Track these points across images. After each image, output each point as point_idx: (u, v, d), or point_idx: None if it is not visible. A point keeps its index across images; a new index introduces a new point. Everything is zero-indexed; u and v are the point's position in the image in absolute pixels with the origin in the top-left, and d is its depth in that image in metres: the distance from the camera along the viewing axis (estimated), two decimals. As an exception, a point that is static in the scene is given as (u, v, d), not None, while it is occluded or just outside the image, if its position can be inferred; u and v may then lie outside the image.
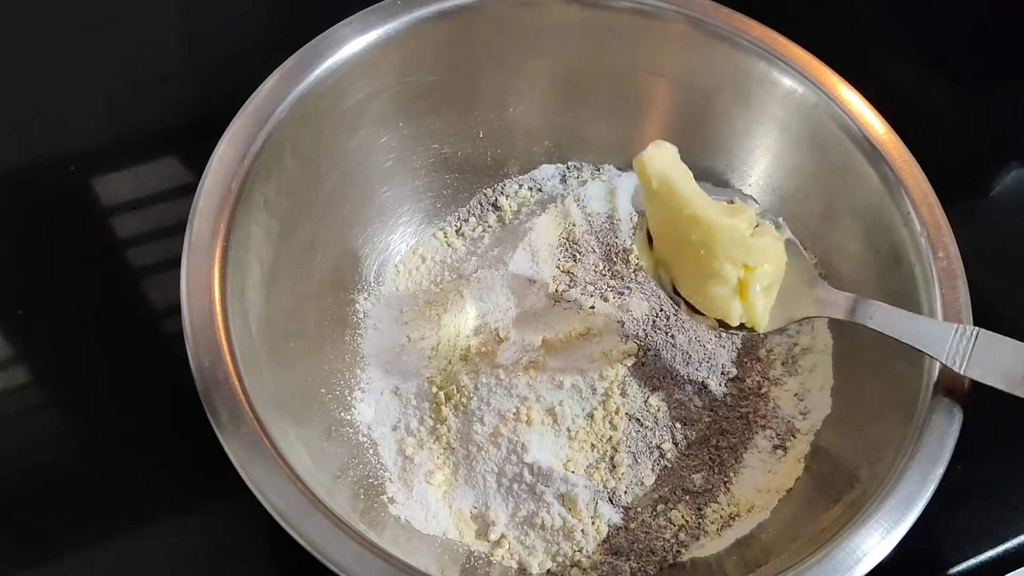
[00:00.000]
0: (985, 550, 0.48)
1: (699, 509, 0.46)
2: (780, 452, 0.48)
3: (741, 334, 0.51)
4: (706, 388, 0.49)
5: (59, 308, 0.52)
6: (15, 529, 0.45)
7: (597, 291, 0.52)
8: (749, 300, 0.42)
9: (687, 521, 0.45)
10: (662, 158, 0.42)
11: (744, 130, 0.53)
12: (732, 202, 0.43)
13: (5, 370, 0.50)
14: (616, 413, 0.47)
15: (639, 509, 0.46)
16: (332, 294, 0.50)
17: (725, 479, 0.47)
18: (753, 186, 0.54)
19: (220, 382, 0.38)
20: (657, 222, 0.43)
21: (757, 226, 0.42)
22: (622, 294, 0.51)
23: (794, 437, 0.48)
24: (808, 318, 0.44)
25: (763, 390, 0.50)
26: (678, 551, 0.45)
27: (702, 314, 0.44)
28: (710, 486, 0.47)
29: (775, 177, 0.53)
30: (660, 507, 0.46)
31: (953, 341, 0.40)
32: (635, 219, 0.55)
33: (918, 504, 0.38)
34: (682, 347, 0.49)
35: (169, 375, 0.49)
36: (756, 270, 0.41)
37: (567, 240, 0.54)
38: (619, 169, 0.57)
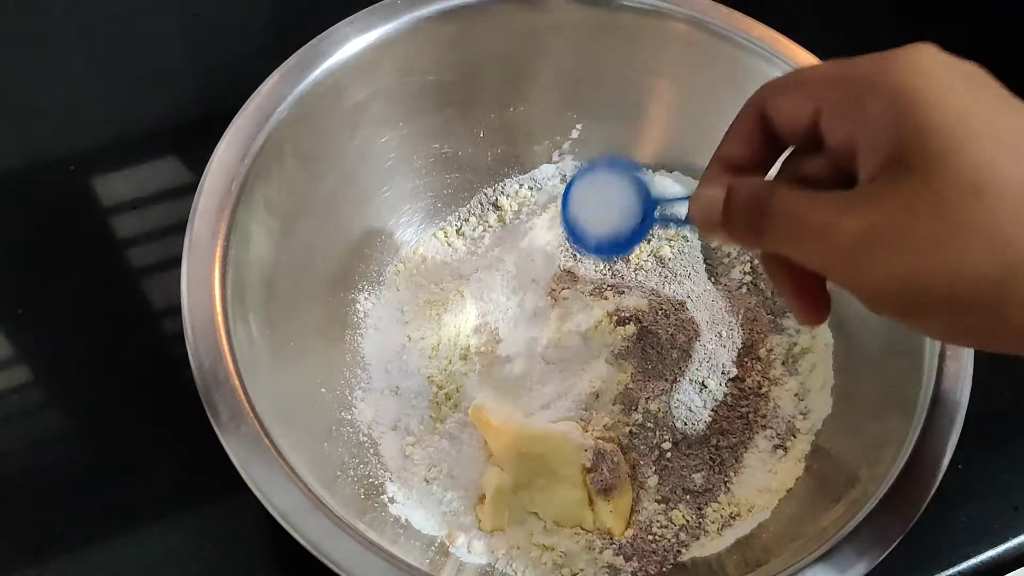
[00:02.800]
0: (985, 550, 0.48)
1: (699, 509, 0.46)
2: (780, 452, 0.48)
3: (741, 335, 0.51)
4: (706, 388, 0.49)
5: (59, 308, 0.52)
6: (15, 529, 0.45)
7: (597, 290, 0.52)
8: (596, 504, 0.45)
9: (687, 521, 0.46)
10: (490, 401, 0.46)
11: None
12: None
13: (5, 369, 0.50)
14: (616, 413, 0.47)
15: (640, 509, 0.46)
16: (332, 294, 0.50)
17: (725, 479, 0.47)
18: (753, 186, 0.54)
19: (220, 382, 0.38)
20: (505, 455, 0.45)
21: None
22: (622, 293, 0.51)
23: (794, 437, 0.48)
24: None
25: (763, 390, 0.50)
26: (679, 551, 0.45)
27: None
28: (710, 486, 0.47)
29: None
30: (660, 507, 0.46)
31: None
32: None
33: (918, 504, 0.38)
34: (682, 346, 0.49)
35: (169, 375, 0.49)
36: (594, 474, 0.45)
37: (567, 239, 0.54)
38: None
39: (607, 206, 0.37)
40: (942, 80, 0.29)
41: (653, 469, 0.47)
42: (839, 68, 0.31)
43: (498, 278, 0.51)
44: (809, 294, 0.34)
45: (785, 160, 0.34)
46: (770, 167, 0.35)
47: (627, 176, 0.36)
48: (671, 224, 0.37)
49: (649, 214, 0.36)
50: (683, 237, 0.54)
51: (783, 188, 0.31)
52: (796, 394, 0.50)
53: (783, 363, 0.51)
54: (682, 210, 0.35)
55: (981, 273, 0.27)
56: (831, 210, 0.29)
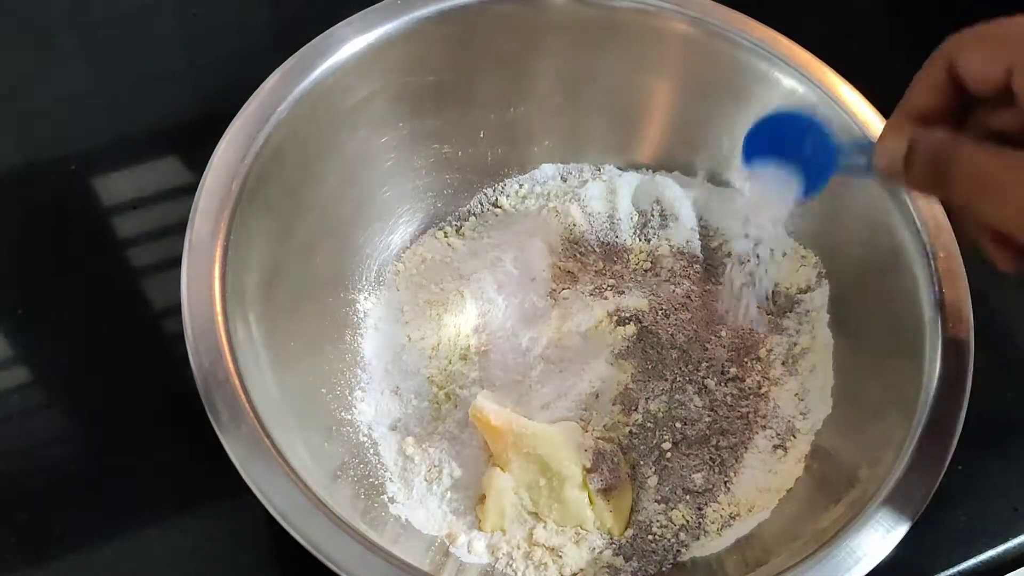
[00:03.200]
0: (985, 551, 0.48)
1: (699, 509, 0.46)
2: (780, 452, 0.48)
3: (740, 335, 0.51)
4: (706, 388, 0.49)
5: (59, 308, 0.52)
6: (15, 529, 0.45)
7: (597, 290, 0.52)
8: (596, 505, 0.45)
9: (687, 521, 0.45)
10: (490, 401, 0.46)
11: (744, 130, 0.53)
12: None
13: (5, 370, 0.50)
14: (616, 413, 0.47)
15: (639, 509, 0.46)
16: (332, 294, 0.50)
17: (725, 479, 0.47)
18: (753, 186, 0.54)
19: (220, 382, 0.38)
20: (505, 456, 0.45)
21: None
22: (622, 293, 0.51)
23: (794, 437, 0.48)
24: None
25: (763, 390, 0.50)
26: (678, 551, 0.45)
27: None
28: (710, 486, 0.47)
29: (775, 177, 0.53)
30: (660, 507, 0.46)
31: None
32: (635, 219, 0.55)
33: (918, 504, 0.38)
34: (682, 347, 0.49)
35: (169, 375, 0.49)
36: (594, 474, 0.45)
37: (567, 239, 0.54)
38: (619, 169, 0.57)
39: (791, 151, 0.38)
40: None
41: (653, 469, 0.47)
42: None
43: (498, 278, 0.51)
44: (1008, 243, 0.33)
45: (974, 113, 0.34)
46: (956, 118, 0.35)
47: (811, 123, 0.37)
48: (854, 172, 0.37)
49: (831, 161, 0.37)
50: (688, 239, 0.54)
51: (968, 141, 0.31)
52: (796, 394, 0.50)
53: (783, 363, 0.51)
54: (863, 160, 0.35)
55: None
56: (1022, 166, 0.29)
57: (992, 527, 0.48)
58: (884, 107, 0.49)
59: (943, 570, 0.47)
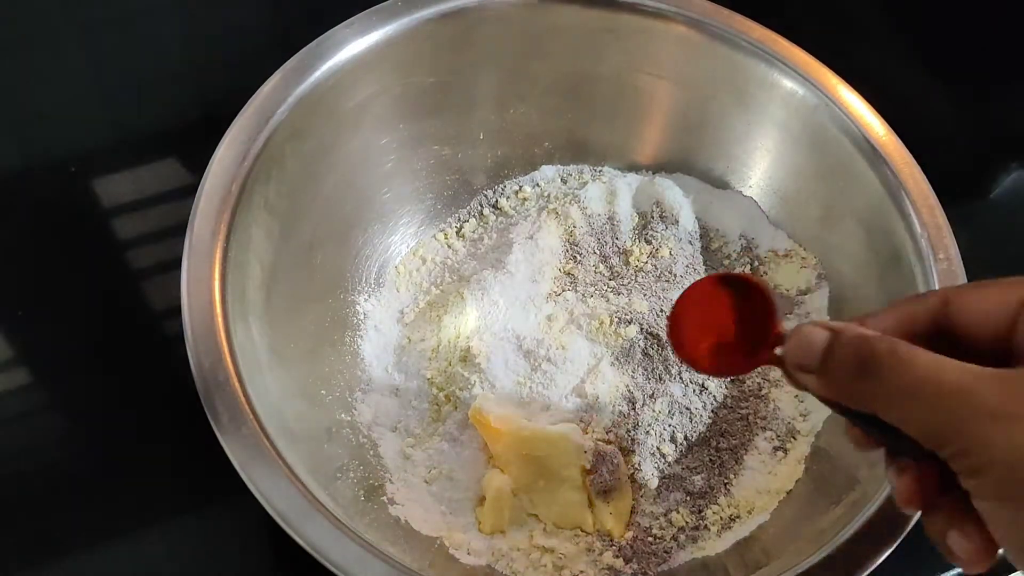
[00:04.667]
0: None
1: (699, 511, 0.46)
2: (780, 454, 0.48)
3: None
4: (706, 390, 0.49)
5: (59, 309, 0.52)
6: (16, 530, 0.45)
7: (597, 292, 0.52)
8: (596, 506, 0.45)
9: (687, 523, 0.45)
10: (490, 402, 0.46)
11: (744, 132, 0.53)
12: None
13: (5, 371, 0.50)
14: (616, 414, 0.47)
15: (639, 511, 0.46)
16: (332, 295, 0.50)
17: (725, 480, 0.47)
18: (753, 188, 0.54)
19: (220, 383, 0.38)
20: (505, 457, 0.45)
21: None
22: (622, 295, 0.51)
23: (794, 439, 0.48)
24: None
25: (763, 391, 0.50)
26: (678, 553, 0.45)
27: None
28: (710, 487, 0.47)
29: (775, 179, 0.53)
30: (660, 509, 0.46)
31: None
32: (635, 219, 0.55)
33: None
34: (682, 348, 0.49)
35: (169, 376, 0.49)
36: (594, 476, 0.45)
37: (567, 241, 0.54)
38: (619, 170, 0.57)
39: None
40: None
41: (653, 471, 0.47)
42: None
43: (498, 280, 0.51)
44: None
45: None
46: None
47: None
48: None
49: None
50: (688, 241, 0.54)
51: (902, 341, 0.28)
52: (796, 396, 0.49)
53: (783, 364, 0.51)
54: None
55: None
56: (970, 374, 0.26)
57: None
58: (884, 109, 0.49)
59: (943, 571, 0.47)
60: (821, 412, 0.48)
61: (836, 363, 0.29)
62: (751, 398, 0.49)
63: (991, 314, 0.29)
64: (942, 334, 0.30)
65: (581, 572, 0.44)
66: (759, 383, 0.50)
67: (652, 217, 0.55)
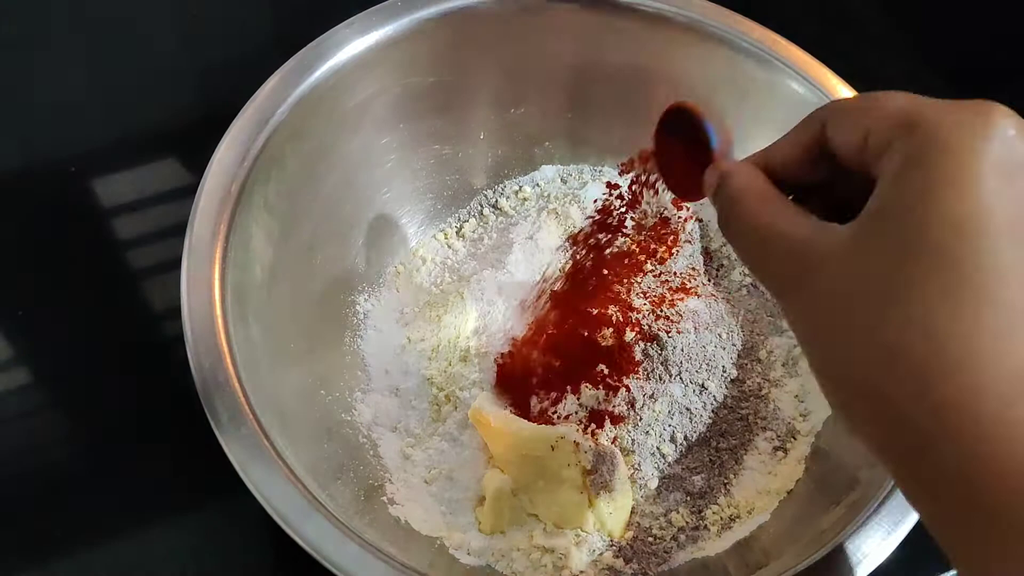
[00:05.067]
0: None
1: (699, 511, 0.46)
2: (780, 454, 0.48)
3: (741, 337, 0.51)
4: (706, 390, 0.49)
5: (59, 309, 0.52)
6: (16, 530, 0.45)
7: (597, 292, 0.52)
8: (596, 506, 0.45)
9: (687, 523, 0.45)
10: (490, 402, 0.46)
11: (744, 132, 0.53)
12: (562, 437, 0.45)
13: (5, 371, 0.50)
14: (616, 416, 0.47)
15: (639, 511, 0.46)
16: (332, 295, 0.50)
17: (725, 481, 0.47)
18: (753, 187, 0.54)
19: (220, 384, 0.38)
20: (505, 457, 0.45)
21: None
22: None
23: (794, 439, 0.48)
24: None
25: (763, 392, 0.50)
26: (678, 553, 0.45)
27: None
28: (710, 488, 0.47)
29: (775, 178, 0.53)
30: (660, 509, 0.46)
31: None
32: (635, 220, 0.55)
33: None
34: (683, 348, 0.49)
35: (169, 377, 0.49)
36: (594, 476, 0.44)
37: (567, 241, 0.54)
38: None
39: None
40: (991, 166, 0.25)
41: (653, 471, 0.47)
42: (907, 103, 0.27)
43: (498, 279, 0.51)
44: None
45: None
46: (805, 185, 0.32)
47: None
48: None
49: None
50: (687, 240, 0.54)
51: (758, 189, 0.30)
52: (796, 396, 0.50)
53: (783, 365, 0.51)
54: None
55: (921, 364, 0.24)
56: (796, 219, 0.28)
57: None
58: (884, 108, 0.49)
59: (944, 572, 0.47)
60: (821, 412, 0.48)
61: (717, 202, 0.32)
62: (751, 398, 0.50)
63: (851, 139, 0.28)
64: (826, 156, 0.30)
65: (581, 573, 0.44)
66: (759, 383, 0.50)
67: (652, 217, 0.55)
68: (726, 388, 0.49)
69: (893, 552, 0.38)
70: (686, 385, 0.49)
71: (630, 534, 0.45)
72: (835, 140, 0.29)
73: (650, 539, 0.45)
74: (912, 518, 0.38)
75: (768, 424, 0.49)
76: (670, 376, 0.48)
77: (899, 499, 0.38)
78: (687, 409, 0.48)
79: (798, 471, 0.46)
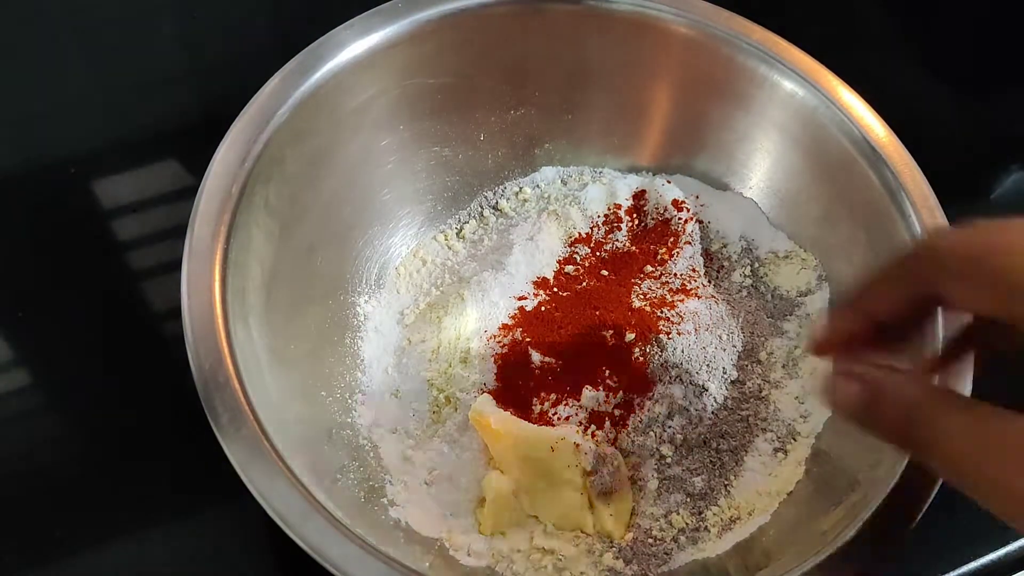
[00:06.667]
0: (987, 553, 0.48)
1: (699, 512, 0.46)
2: (781, 455, 0.48)
3: (741, 339, 0.51)
4: (706, 391, 0.49)
5: (59, 311, 0.52)
6: (16, 531, 0.45)
7: (597, 294, 0.52)
8: (596, 508, 0.45)
9: (687, 524, 0.45)
10: (490, 404, 0.46)
11: (744, 133, 0.53)
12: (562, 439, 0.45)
13: (6, 372, 0.50)
14: (617, 418, 0.47)
15: (640, 512, 0.46)
16: (332, 297, 0.50)
17: (725, 482, 0.47)
18: (753, 189, 0.54)
19: (221, 385, 0.38)
20: (506, 459, 0.45)
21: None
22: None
23: (795, 440, 0.48)
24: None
25: (764, 393, 0.50)
26: (679, 554, 0.45)
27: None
28: (710, 489, 0.47)
29: (775, 180, 0.53)
30: (660, 510, 0.46)
31: None
32: (635, 221, 0.55)
33: (919, 507, 0.38)
34: (683, 350, 0.49)
35: (170, 378, 0.49)
36: (595, 477, 0.44)
37: (567, 243, 0.54)
38: (619, 171, 0.57)
39: None
40: None
41: (653, 472, 0.47)
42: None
43: (499, 281, 0.51)
44: None
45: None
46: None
47: None
48: None
49: None
50: (687, 242, 0.54)
51: (941, 398, 0.28)
52: (796, 397, 0.49)
53: (783, 366, 0.51)
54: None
55: None
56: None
57: (994, 529, 0.48)
58: (884, 110, 0.49)
59: (945, 573, 0.47)
60: (821, 414, 0.48)
61: (888, 423, 0.30)
62: (751, 400, 0.49)
63: (983, 302, 0.27)
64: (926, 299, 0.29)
65: (582, 573, 0.44)
66: (759, 384, 0.50)
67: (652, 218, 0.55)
68: (726, 389, 0.49)
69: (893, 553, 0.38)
70: (686, 386, 0.48)
71: (630, 535, 0.45)
72: (961, 303, 0.28)
73: (650, 540, 0.45)
74: (914, 519, 0.38)
75: (768, 425, 0.49)
76: (670, 377, 0.48)
77: (899, 500, 0.38)
78: (687, 410, 0.48)
79: (798, 472, 0.46)
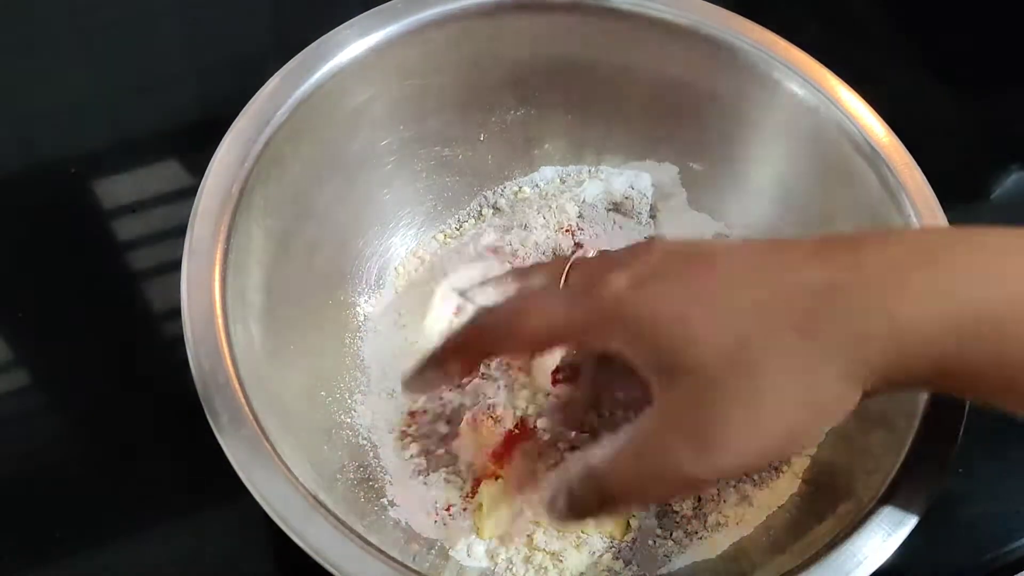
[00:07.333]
0: (987, 553, 0.48)
1: (700, 513, 0.46)
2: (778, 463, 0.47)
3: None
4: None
5: (59, 311, 0.52)
6: (16, 532, 0.45)
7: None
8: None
9: (687, 525, 0.45)
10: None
11: (744, 133, 0.53)
12: None
13: (5, 373, 0.50)
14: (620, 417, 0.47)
15: (640, 514, 0.46)
16: (332, 297, 0.50)
17: (725, 482, 0.47)
18: (753, 188, 0.54)
19: (220, 385, 0.38)
20: (503, 458, 0.46)
21: None
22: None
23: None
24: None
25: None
26: (677, 556, 0.45)
27: None
28: (709, 493, 0.46)
29: (775, 179, 0.53)
30: (660, 511, 0.46)
31: None
32: (634, 219, 0.55)
33: (919, 508, 0.38)
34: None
35: (169, 378, 0.49)
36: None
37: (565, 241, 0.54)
38: (618, 170, 0.57)
39: None
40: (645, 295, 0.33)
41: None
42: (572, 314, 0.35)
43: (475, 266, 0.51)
44: None
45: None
46: None
47: None
48: None
49: None
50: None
51: (594, 457, 0.34)
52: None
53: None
54: None
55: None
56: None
57: (994, 531, 0.48)
58: (884, 110, 0.49)
59: (944, 574, 0.47)
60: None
61: (581, 508, 0.35)
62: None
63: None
64: None
65: (581, 574, 0.44)
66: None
67: (652, 217, 0.55)
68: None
69: (893, 555, 0.38)
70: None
71: (631, 536, 0.45)
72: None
73: (651, 542, 0.45)
74: (912, 520, 0.38)
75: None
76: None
77: (899, 501, 0.38)
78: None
79: (795, 480, 0.46)
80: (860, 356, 0.31)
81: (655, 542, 0.45)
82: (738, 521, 0.45)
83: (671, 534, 0.45)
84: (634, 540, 0.45)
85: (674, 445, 0.32)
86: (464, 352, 0.38)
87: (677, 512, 0.46)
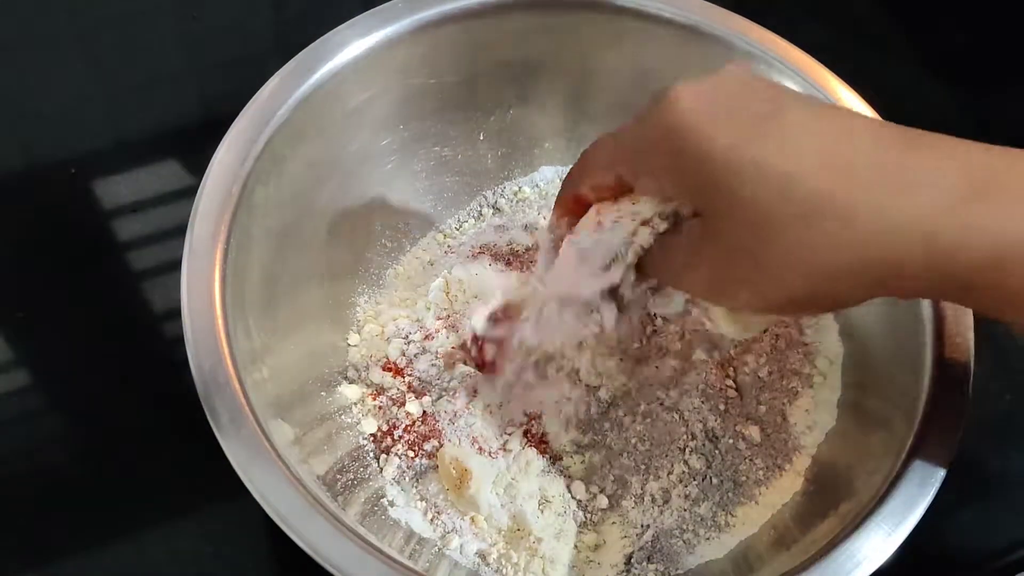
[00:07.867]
0: (987, 553, 0.48)
1: (699, 518, 0.46)
2: (783, 467, 0.47)
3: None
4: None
5: (59, 311, 0.52)
6: (16, 532, 0.45)
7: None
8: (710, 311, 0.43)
9: (688, 525, 0.45)
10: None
11: (744, 133, 0.53)
12: None
13: (6, 373, 0.50)
14: (622, 418, 0.47)
15: (640, 514, 0.46)
16: (332, 296, 0.50)
17: (724, 486, 0.47)
18: (753, 189, 0.54)
19: (221, 385, 0.38)
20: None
21: None
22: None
23: (799, 453, 0.47)
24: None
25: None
26: (676, 557, 0.45)
27: None
28: (707, 494, 0.46)
29: (775, 180, 0.53)
30: (661, 511, 0.46)
31: None
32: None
33: (919, 507, 0.38)
34: (684, 349, 0.49)
35: (170, 378, 0.49)
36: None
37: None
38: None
39: None
40: (701, 118, 0.35)
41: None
42: (621, 142, 0.36)
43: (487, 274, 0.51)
44: None
45: None
46: None
47: None
48: None
49: None
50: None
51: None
52: (806, 410, 0.49)
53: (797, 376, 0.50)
54: None
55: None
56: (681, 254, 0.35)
57: (994, 531, 0.48)
58: (884, 110, 0.49)
59: (945, 574, 0.47)
60: (826, 423, 0.48)
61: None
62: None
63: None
64: None
65: (581, 574, 0.44)
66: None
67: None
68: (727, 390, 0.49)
69: (893, 554, 0.38)
70: (689, 387, 0.48)
71: (632, 536, 0.45)
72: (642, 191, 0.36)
73: (650, 543, 0.45)
74: (912, 519, 0.38)
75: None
76: (670, 379, 0.48)
77: (899, 501, 0.38)
78: (687, 411, 0.48)
79: (798, 479, 0.46)
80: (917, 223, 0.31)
81: (655, 543, 0.45)
82: (745, 521, 0.46)
83: (683, 535, 0.45)
84: (634, 541, 0.45)
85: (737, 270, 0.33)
86: (573, 187, 0.39)
87: (695, 512, 0.46)
